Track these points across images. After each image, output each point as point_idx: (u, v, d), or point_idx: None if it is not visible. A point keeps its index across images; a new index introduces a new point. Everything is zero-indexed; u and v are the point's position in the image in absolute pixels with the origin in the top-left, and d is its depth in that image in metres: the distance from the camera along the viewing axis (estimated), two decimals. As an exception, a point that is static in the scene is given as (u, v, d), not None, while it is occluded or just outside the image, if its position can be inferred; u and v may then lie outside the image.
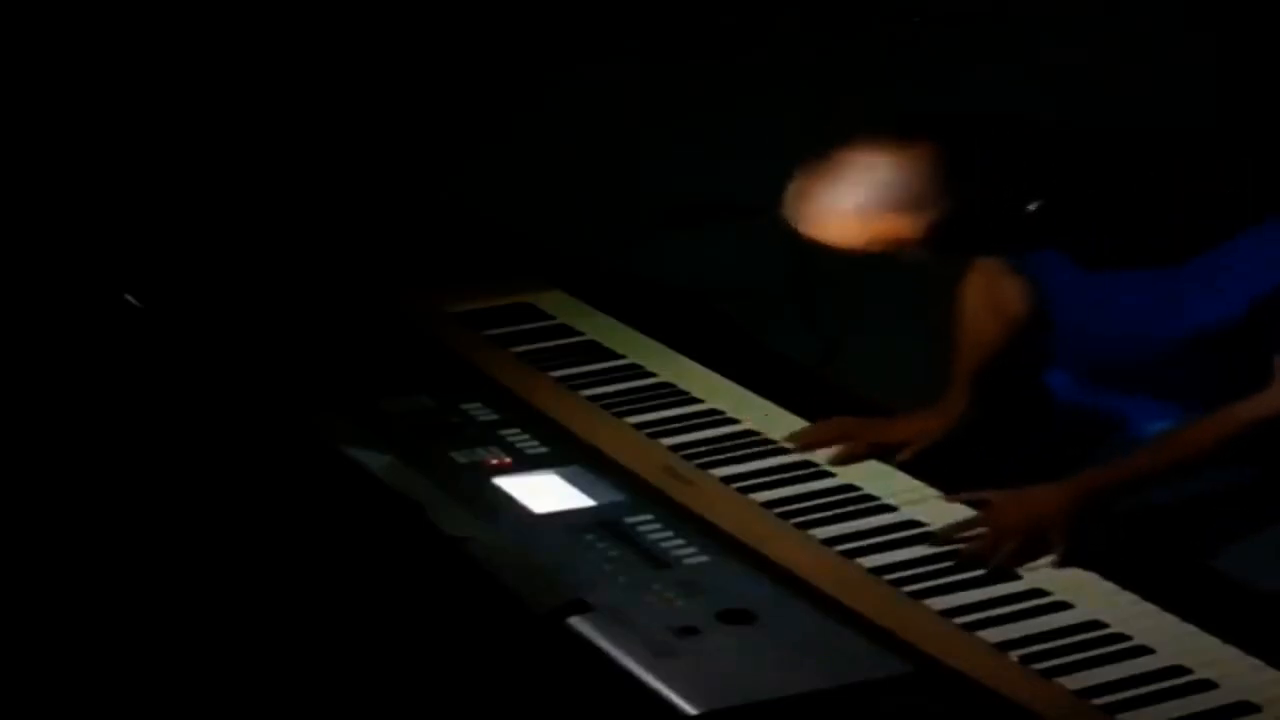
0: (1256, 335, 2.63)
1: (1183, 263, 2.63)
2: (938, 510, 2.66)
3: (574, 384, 3.04)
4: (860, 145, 2.53)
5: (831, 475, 2.77)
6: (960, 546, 2.54)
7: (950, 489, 2.70)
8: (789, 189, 2.56)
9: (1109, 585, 2.47)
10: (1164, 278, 2.66)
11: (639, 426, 2.90)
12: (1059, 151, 2.59)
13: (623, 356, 3.14)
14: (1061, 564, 2.52)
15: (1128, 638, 2.35)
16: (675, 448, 2.84)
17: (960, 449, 2.90)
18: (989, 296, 2.94)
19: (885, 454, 2.82)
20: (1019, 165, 2.54)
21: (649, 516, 2.58)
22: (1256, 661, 2.29)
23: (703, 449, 2.84)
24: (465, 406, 2.90)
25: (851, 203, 2.51)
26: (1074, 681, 2.26)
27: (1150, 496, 2.71)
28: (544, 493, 2.65)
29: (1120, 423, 2.86)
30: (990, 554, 2.52)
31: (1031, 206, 2.52)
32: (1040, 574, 2.50)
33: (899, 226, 2.51)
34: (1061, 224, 2.57)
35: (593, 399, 2.99)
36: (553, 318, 3.30)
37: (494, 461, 2.73)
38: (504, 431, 2.82)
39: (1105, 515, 2.62)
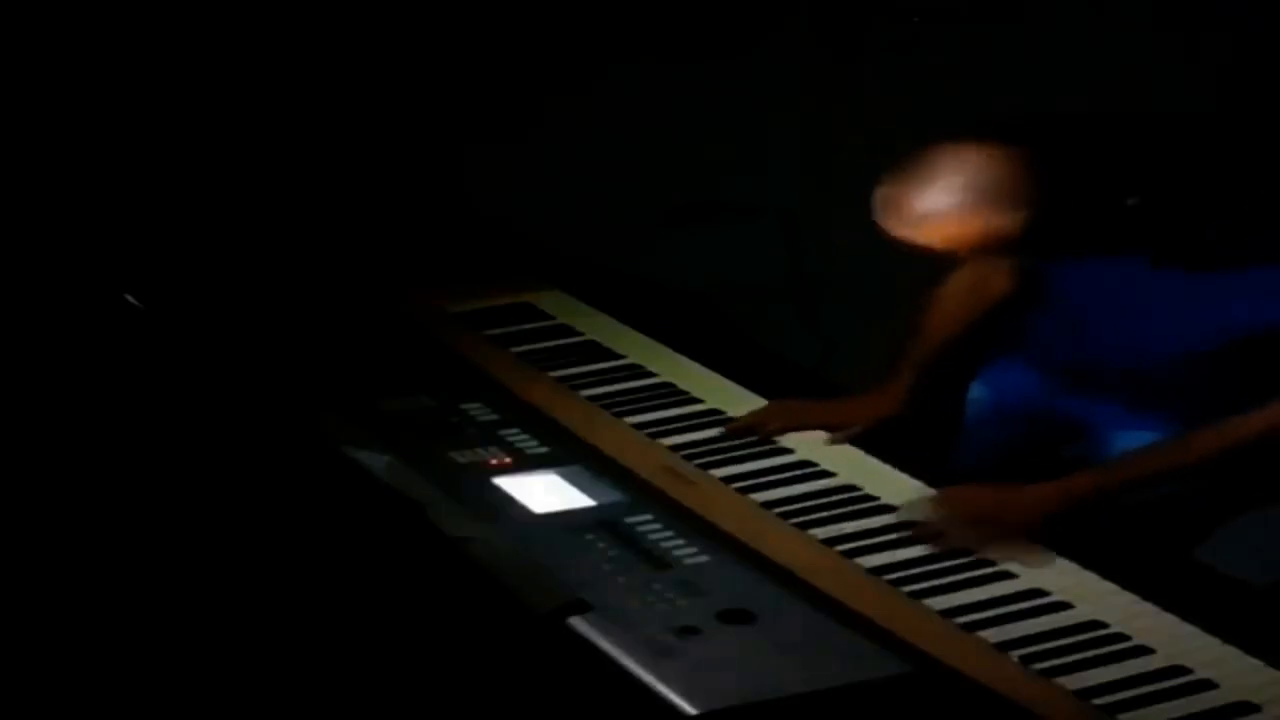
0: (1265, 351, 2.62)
1: (1244, 265, 2.61)
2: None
3: (574, 384, 3.04)
4: (952, 145, 2.51)
5: (831, 475, 2.77)
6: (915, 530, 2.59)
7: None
8: (880, 191, 2.54)
9: (1109, 585, 2.47)
10: (1198, 282, 2.65)
11: (639, 426, 2.90)
12: (1155, 144, 2.58)
13: (623, 356, 3.14)
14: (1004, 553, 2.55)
15: (1128, 638, 2.35)
16: (675, 448, 2.84)
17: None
18: (973, 282, 2.95)
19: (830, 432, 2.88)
20: (1116, 159, 2.53)
21: (649, 516, 2.59)
22: (1256, 662, 2.30)
23: (703, 449, 2.84)
24: (465, 406, 2.90)
25: (948, 200, 2.49)
26: (1074, 681, 2.26)
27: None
28: (544, 493, 2.65)
29: (1088, 429, 2.86)
30: (934, 540, 2.56)
31: (1131, 201, 2.51)
32: (1040, 574, 2.50)
33: (996, 223, 2.48)
34: (1159, 219, 2.55)
35: (593, 399, 2.99)
36: (553, 318, 3.30)
37: (494, 461, 2.73)
38: (504, 431, 2.82)
39: (1102, 513, 2.63)
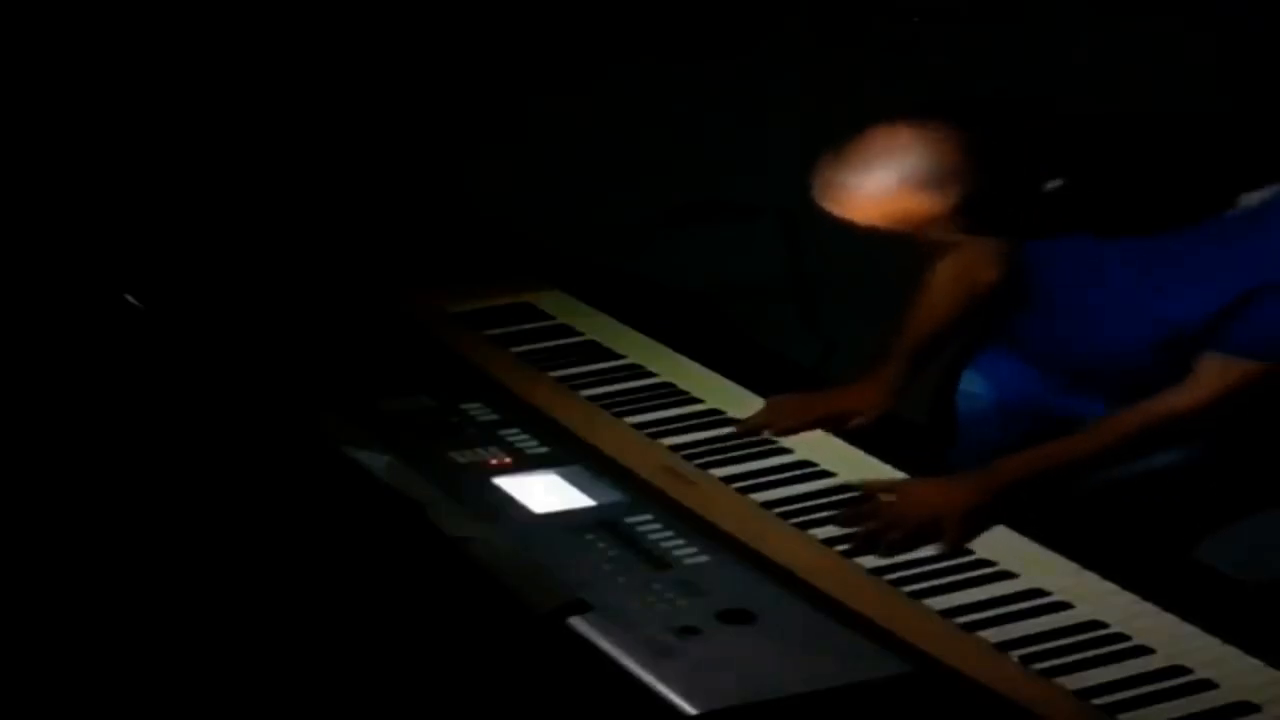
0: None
1: (1196, 224, 2.64)
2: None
3: (574, 384, 3.04)
4: (885, 127, 2.55)
5: (831, 475, 2.77)
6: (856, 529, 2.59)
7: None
8: (816, 170, 2.57)
9: (1109, 585, 2.47)
10: (1161, 264, 2.67)
11: (639, 426, 2.90)
12: (1078, 133, 2.60)
13: (623, 356, 3.14)
14: (950, 553, 2.55)
15: (1128, 638, 2.35)
16: (675, 448, 2.84)
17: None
18: (958, 272, 2.96)
19: (833, 425, 2.89)
20: (1039, 145, 2.55)
21: (649, 516, 2.59)
22: (1256, 662, 2.30)
23: (703, 449, 2.84)
24: (465, 406, 2.90)
25: (879, 181, 2.52)
26: (1074, 681, 2.26)
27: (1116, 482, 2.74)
28: (544, 493, 2.65)
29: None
30: (875, 540, 2.56)
31: (1050, 185, 2.53)
32: (1040, 574, 2.50)
33: (925, 204, 2.51)
34: (1081, 204, 2.58)
35: (593, 399, 2.99)
36: (553, 318, 3.30)
37: (494, 461, 2.73)
38: (504, 431, 2.82)
39: (1041, 502, 2.64)
